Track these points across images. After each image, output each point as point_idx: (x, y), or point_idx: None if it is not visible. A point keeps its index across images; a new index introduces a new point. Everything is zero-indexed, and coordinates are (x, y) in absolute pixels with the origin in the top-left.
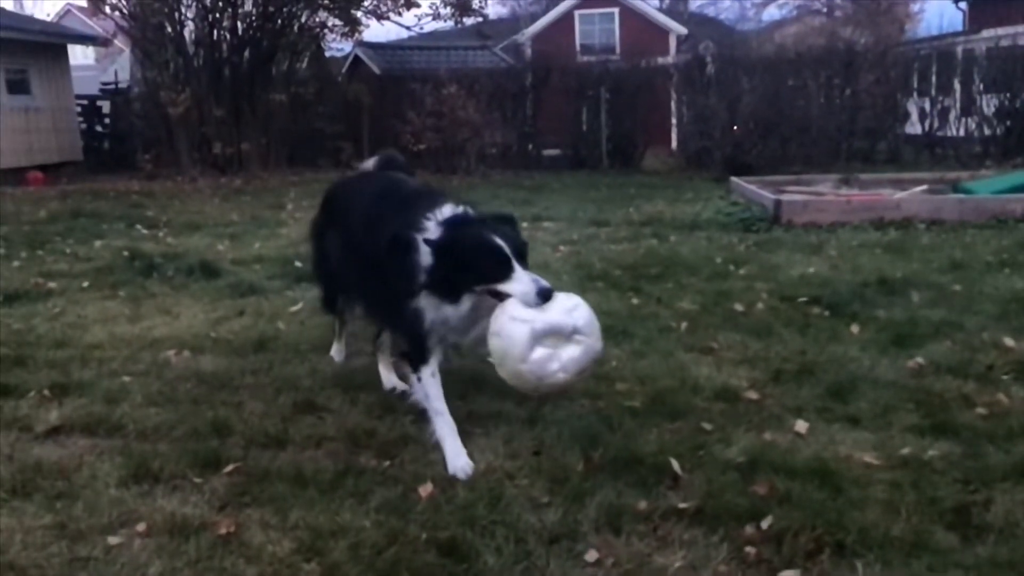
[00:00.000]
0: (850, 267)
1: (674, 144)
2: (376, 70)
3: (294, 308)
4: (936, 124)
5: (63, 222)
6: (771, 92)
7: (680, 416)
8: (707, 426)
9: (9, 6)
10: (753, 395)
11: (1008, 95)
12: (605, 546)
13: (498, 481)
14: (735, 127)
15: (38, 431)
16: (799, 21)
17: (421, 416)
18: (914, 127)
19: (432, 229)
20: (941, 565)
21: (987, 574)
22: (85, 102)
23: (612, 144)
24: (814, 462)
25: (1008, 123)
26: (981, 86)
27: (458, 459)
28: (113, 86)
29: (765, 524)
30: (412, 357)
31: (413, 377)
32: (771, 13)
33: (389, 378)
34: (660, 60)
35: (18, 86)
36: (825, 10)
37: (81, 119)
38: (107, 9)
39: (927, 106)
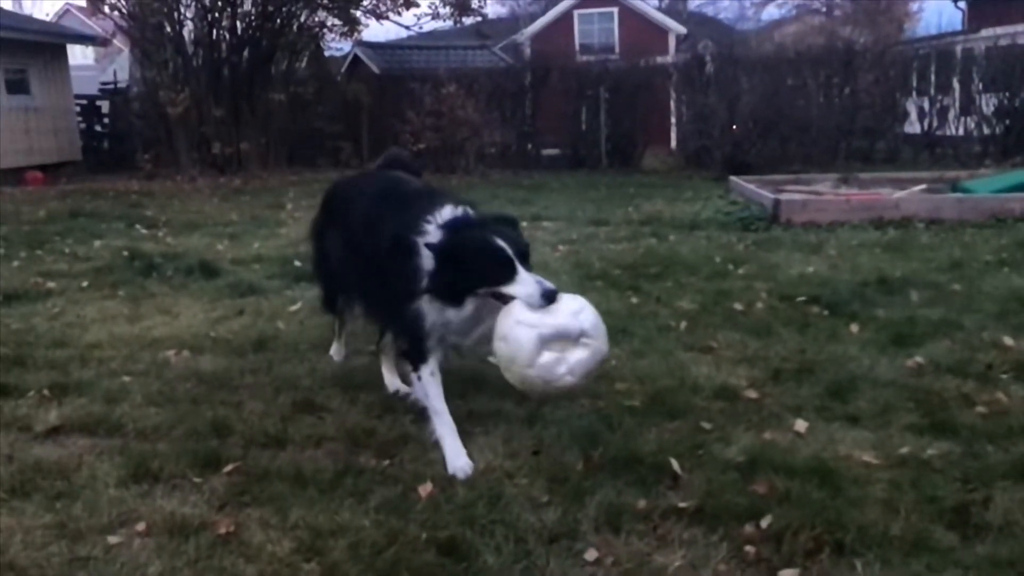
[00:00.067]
0: (849, 266)
1: (673, 143)
2: (375, 70)
3: (293, 308)
4: (935, 123)
5: (62, 222)
6: (770, 91)
7: (679, 415)
8: (706, 425)
9: (8, 6)
10: (752, 394)
11: (1007, 94)
12: (605, 545)
13: (498, 480)
14: (734, 126)
15: (38, 431)
16: (798, 20)
17: (421, 415)
18: (913, 126)
19: (432, 232)
20: (940, 564)
21: (986, 573)
22: (84, 102)
23: (611, 143)
24: (813, 461)
25: (1007, 122)
26: (980, 85)
27: (458, 459)
28: (112, 86)
29: (765, 523)
30: (412, 356)
31: (413, 376)
32: (770, 12)
33: (392, 381)
34: (659, 59)
35: (17, 86)
36: (824, 9)
37: (80, 119)
38: (106, 9)
39: (926, 105)
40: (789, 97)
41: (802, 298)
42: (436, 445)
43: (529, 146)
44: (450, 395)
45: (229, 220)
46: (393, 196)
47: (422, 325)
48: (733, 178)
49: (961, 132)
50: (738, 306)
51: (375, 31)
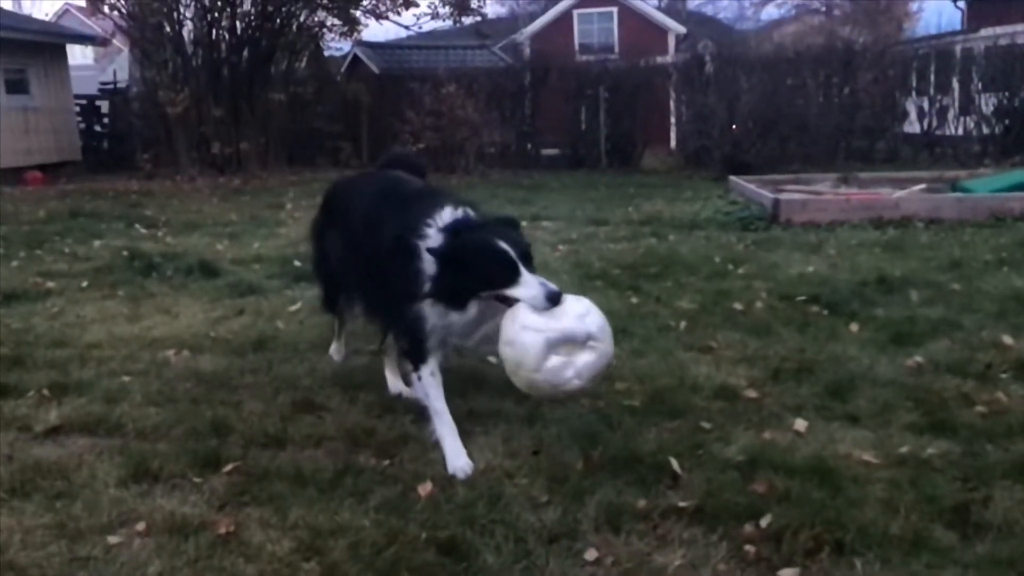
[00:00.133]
0: (849, 266)
1: (673, 143)
2: (375, 69)
3: (293, 307)
4: (935, 123)
5: (62, 222)
6: (770, 91)
7: (679, 415)
8: (706, 425)
9: (7, 6)
10: (752, 394)
11: (1006, 94)
12: (604, 545)
13: (497, 480)
14: (734, 126)
15: (37, 431)
16: (798, 20)
17: (421, 415)
18: (913, 126)
19: (433, 236)
20: (940, 563)
21: (986, 572)
22: (84, 102)
23: (611, 143)
24: (813, 460)
25: (1006, 122)
26: (979, 85)
27: (458, 459)
28: (112, 86)
29: (764, 522)
30: (412, 357)
31: (413, 376)
32: (770, 12)
33: (395, 384)
34: (659, 59)
35: (17, 86)
36: (824, 9)
37: (80, 119)
38: (105, 9)
39: (926, 105)
40: (789, 97)
41: (802, 298)
42: (436, 445)
43: (529, 146)
44: (450, 394)
45: (229, 220)
46: (393, 196)
47: (422, 326)
48: (733, 178)
49: (960, 132)
50: (738, 306)
51: (374, 31)
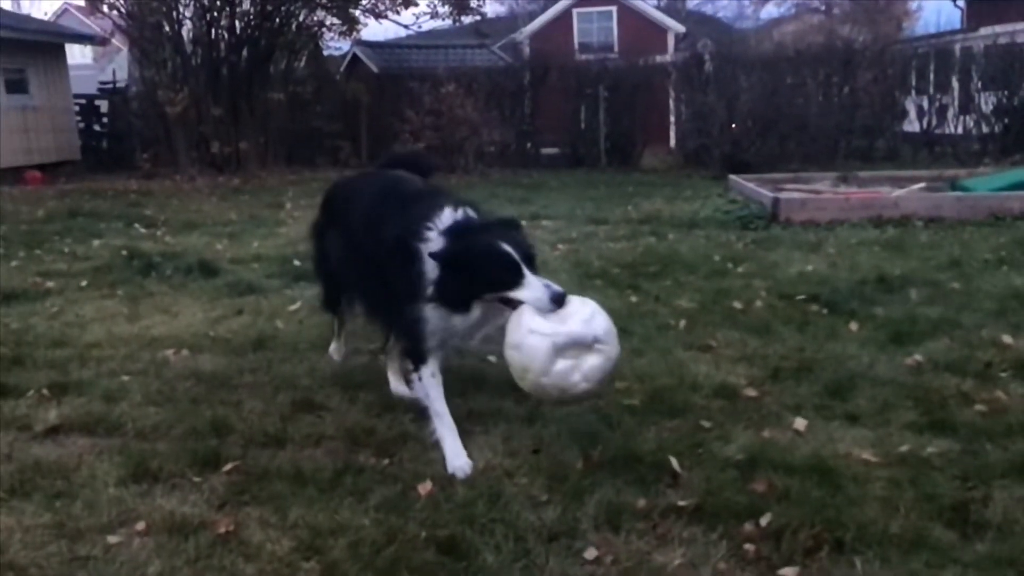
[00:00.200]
0: (848, 265)
1: (672, 142)
2: (374, 69)
3: (292, 307)
4: (934, 122)
5: (61, 221)
6: (769, 90)
7: (679, 414)
8: (706, 424)
9: (7, 5)
10: (752, 393)
11: (1006, 93)
12: (604, 544)
13: (497, 479)
14: (733, 125)
15: (37, 430)
16: (797, 19)
17: (420, 415)
18: (912, 125)
19: (435, 239)
20: (939, 562)
21: (985, 571)
22: (83, 101)
23: (610, 142)
24: (813, 459)
25: (1006, 121)
26: (979, 84)
27: (457, 458)
28: (111, 85)
29: (764, 521)
30: (413, 357)
31: (413, 376)
32: (769, 11)
33: (398, 386)
34: (658, 58)
35: (16, 85)
36: (823, 8)
37: (79, 118)
38: (105, 8)
39: (925, 104)
40: (788, 96)
41: (801, 296)
42: (436, 444)
43: (528, 145)
44: (450, 394)
45: (228, 219)
46: (393, 196)
47: (423, 327)
48: (732, 177)
49: (960, 131)
50: (737, 305)
51: (374, 30)
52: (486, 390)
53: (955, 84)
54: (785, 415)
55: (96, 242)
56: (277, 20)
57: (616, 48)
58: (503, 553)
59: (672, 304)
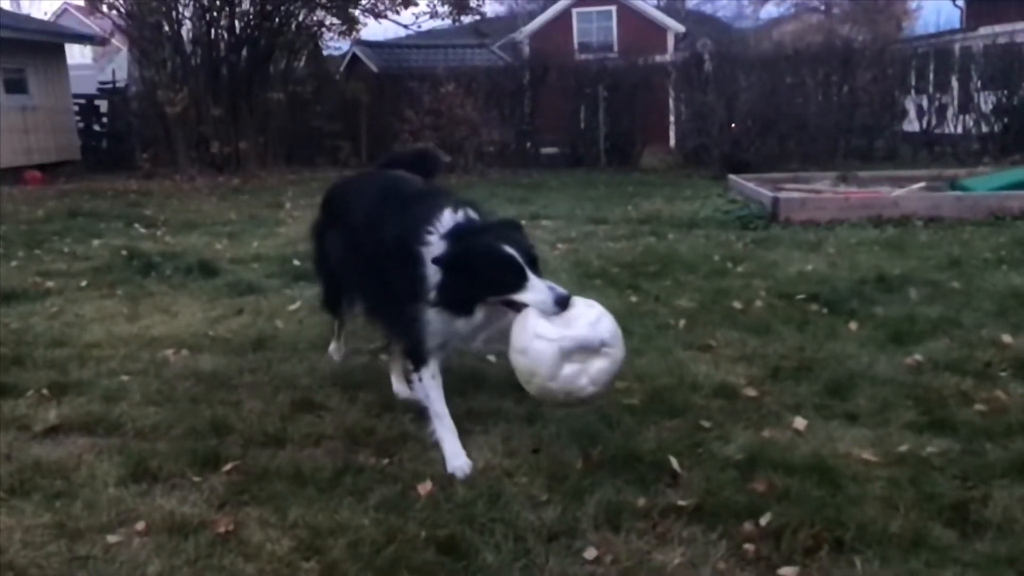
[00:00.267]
0: (848, 264)
1: (672, 142)
2: (374, 68)
3: (292, 307)
4: (934, 121)
5: (61, 221)
6: (769, 90)
7: (679, 414)
8: (706, 423)
9: (6, 5)
10: (751, 392)
11: (1005, 92)
12: (604, 543)
13: (497, 479)
14: (733, 125)
15: (37, 430)
16: (797, 18)
17: (420, 414)
18: (912, 124)
19: (436, 242)
20: (939, 561)
21: (985, 570)
22: (83, 101)
23: (610, 142)
24: (812, 459)
25: (1005, 120)
26: (979, 83)
27: (457, 459)
28: (111, 85)
29: (764, 521)
30: (413, 358)
31: (413, 377)
32: (769, 11)
33: (400, 388)
34: (658, 58)
35: (16, 85)
36: (823, 7)
37: (79, 118)
38: (104, 8)
39: (925, 103)
40: (788, 95)
41: (801, 296)
42: (436, 445)
43: (528, 145)
44: (450, 393)
45: (228, 219)
46: (393, 196)
47: (423, 328)
48: (732, 176)
49: (960, 130)
50: (737, 304)
51: (373, 30)
52: (486, 390)
53: (954, 84)
54: (785, 415)
55: (96, 242)
56: (277, 20)
57: (616, 48)
58: (503, 553)
59: (672, 304)
